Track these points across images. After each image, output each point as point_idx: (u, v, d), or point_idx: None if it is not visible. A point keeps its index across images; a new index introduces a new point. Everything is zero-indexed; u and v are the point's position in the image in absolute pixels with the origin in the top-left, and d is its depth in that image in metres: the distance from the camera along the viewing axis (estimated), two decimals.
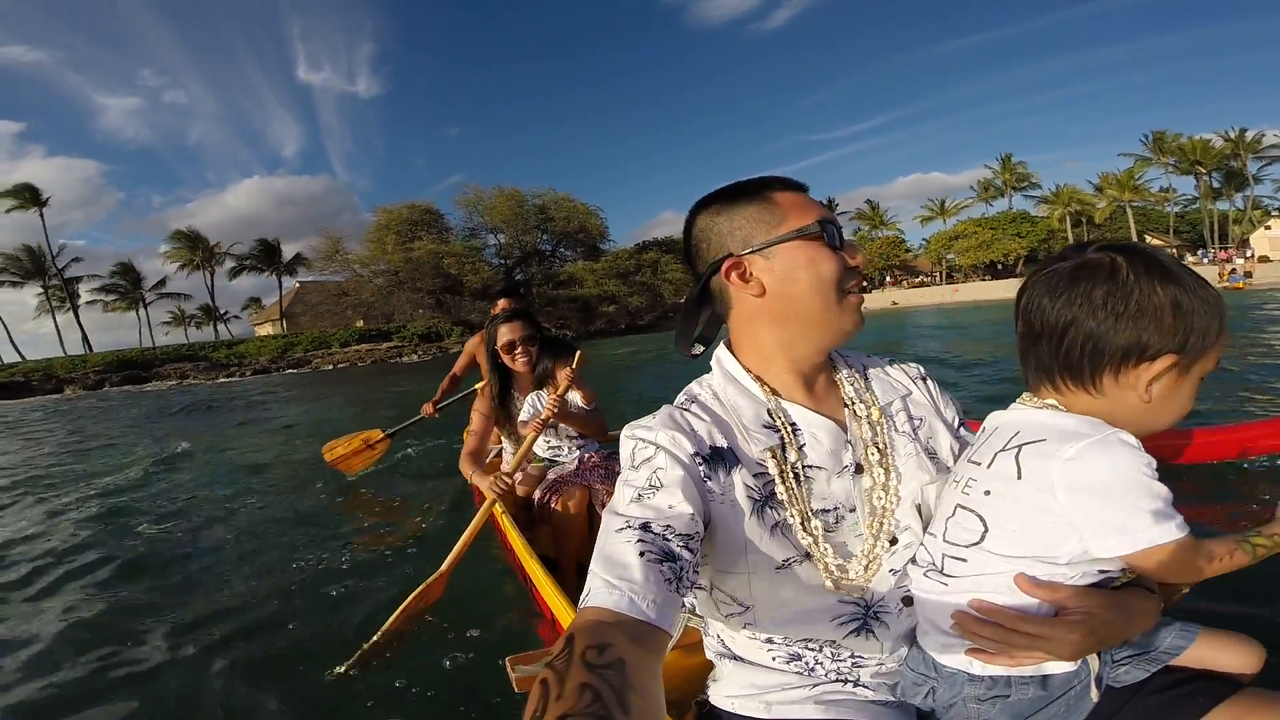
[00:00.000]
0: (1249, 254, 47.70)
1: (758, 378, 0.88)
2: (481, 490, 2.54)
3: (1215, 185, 53.06)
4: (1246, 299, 20.39)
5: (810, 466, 0.84)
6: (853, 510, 0.85)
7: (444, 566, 2.54)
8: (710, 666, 0.96)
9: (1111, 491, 0.69)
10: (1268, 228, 49.93)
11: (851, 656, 0.86)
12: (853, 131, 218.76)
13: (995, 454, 0.78)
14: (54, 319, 50.82)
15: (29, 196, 49.68)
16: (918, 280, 61.04)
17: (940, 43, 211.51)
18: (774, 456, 0.83)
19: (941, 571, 0.81)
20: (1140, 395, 0.73)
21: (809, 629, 0.85)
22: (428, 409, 4.32)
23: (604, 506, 0.70)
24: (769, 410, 0.86)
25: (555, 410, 2.42)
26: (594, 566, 0.68)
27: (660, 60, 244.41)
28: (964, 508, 0.80)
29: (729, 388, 0.89)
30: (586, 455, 2.68)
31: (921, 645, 0.84)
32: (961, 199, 63.96)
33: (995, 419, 0.84)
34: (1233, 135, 49.63)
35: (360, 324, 46.55)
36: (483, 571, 2.92)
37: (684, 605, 0.68)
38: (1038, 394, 0.81)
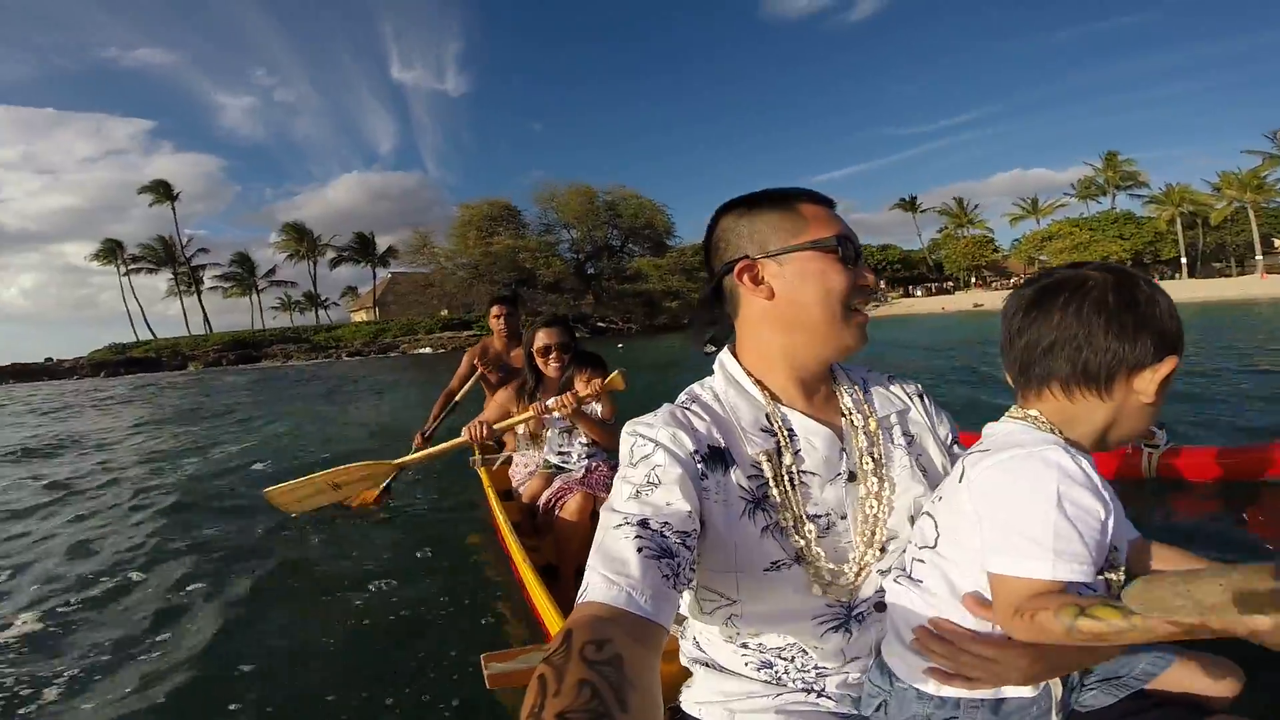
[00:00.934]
0: None
1: (758, 381, 0.90)
2: (468, 432, 2.68)
3: None
4: None
5: (805, 472, 0.86)
6: (844, 518, 0.87)
7: (396, 460, 2.94)
8: (686, 674, 0.99)
9: (1010, 505, 0.70)
10: None
11: (816, 667, 0.87)
12: (946, 125, 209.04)
13: (959, 463, 0.82)
14: (181, 302, 57.24)
15: (163, 191, 56.51)
16: (1010, 282, 57.97)
17: (1049, 32, 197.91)
18: (769, 460, 0.85)
19: (909, 576, 0.82)
20: (1148, 397, 0.74)
21: (789, 628, 0.86)
22: (417, 444, 3.90)
23: None
24: (767, 414, 0.88)
25: (571, 406, 2.47)
26: (592, 562, 0.68)
27: (735, 54, 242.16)
28: (927, 513, 0.83)
29: (730, 390, 0.90)
30: (594, 464, 2.67)
31: (884, 657, 0.85)
32: (1058, 198, 60.18)
33: (988, 429, 0.86)
34: None
35: (445, 313, 49.46)
36: (483, 577, 2.95)
37: (680, 603, 0.72)
38: (1034, 402, 0.81)
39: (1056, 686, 0.79)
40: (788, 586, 0.84)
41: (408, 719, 1.96)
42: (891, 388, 0.99)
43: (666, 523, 0.72)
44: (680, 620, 0.96)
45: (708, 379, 0.95)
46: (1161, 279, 48.00)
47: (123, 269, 56.11)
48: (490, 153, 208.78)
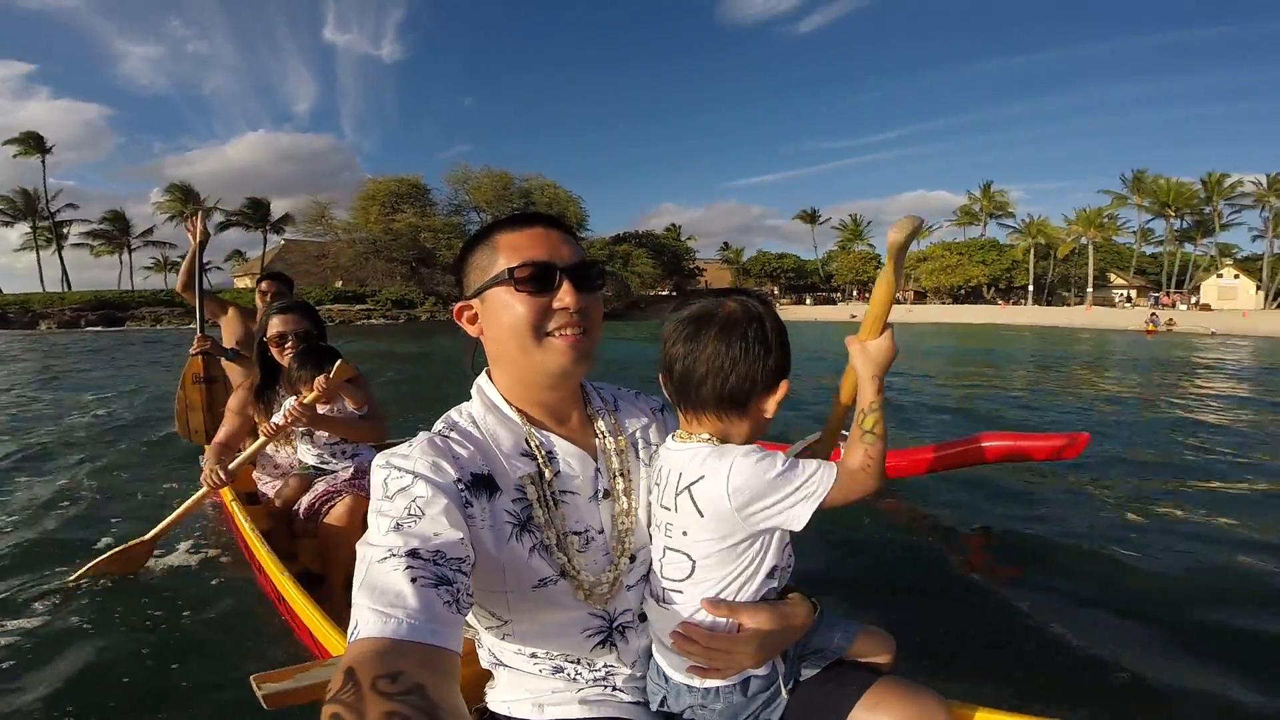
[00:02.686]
0: (1193, 300, 49.77)
1: (516, 406, 0.93)
2: (208, 483, 2.40)
3: (1186, 228, 54.71)
4: (1156, 345, 21.98)
5: (565, 492, 0.91)
6: (601, 531, 0.94)
7: (148, 535, 2.62)
8: (487, 675, 1.01)
9: (768, 486, 0.87)
10: (1219, 275, 51.89)
11: (605, 667, 0.96)
12: (866, 143, 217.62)
13: (676, 497, 0.92)
14: (38, 256, 51.89)
15: (33, 144, 50.96)
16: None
17: (975, 62, 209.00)
18: (532, 482, 0.89)
19: (661, 601, 0.95)
20: (769, 414, 0.92)
21: (564, 642, 0.92)
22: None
23: None
24: (526, 438, 0.91)
25: (298, 417, 2.25)
26: (359, 599, 0.65)
27: (684, 52, 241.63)
28: (671, 549, 0.94)
29: (489, 416, 0.92)
30: (365, 463, 2.47)
31: (656, 659, 0.99)
32: (938, 222, 65.73)
33: (665, 458, 0.97)
34: (1209, 179, 51.26)
35: (339, 285, 47.98)
36: (231, 594, 2.64)
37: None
38: (695, 425, 0.95)
39: (780, 664, 0.97)
40: (555, 602, 0.90)
41: None
42: (638, 404, 1.08)
43: (439, 551, 0.71)
44: (470, 627, 1.00)
45: (465, 404, 0.96)
46: (1012, 304, 53.97)
47: None
48: (415, 123, 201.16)
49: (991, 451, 3.44)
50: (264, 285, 3.66)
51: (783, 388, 0.91)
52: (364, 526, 2.21)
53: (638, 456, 1.01)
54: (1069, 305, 52.97)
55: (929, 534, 3.52)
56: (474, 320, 0.92)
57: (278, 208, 56.91)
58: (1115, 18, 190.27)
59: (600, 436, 0.98)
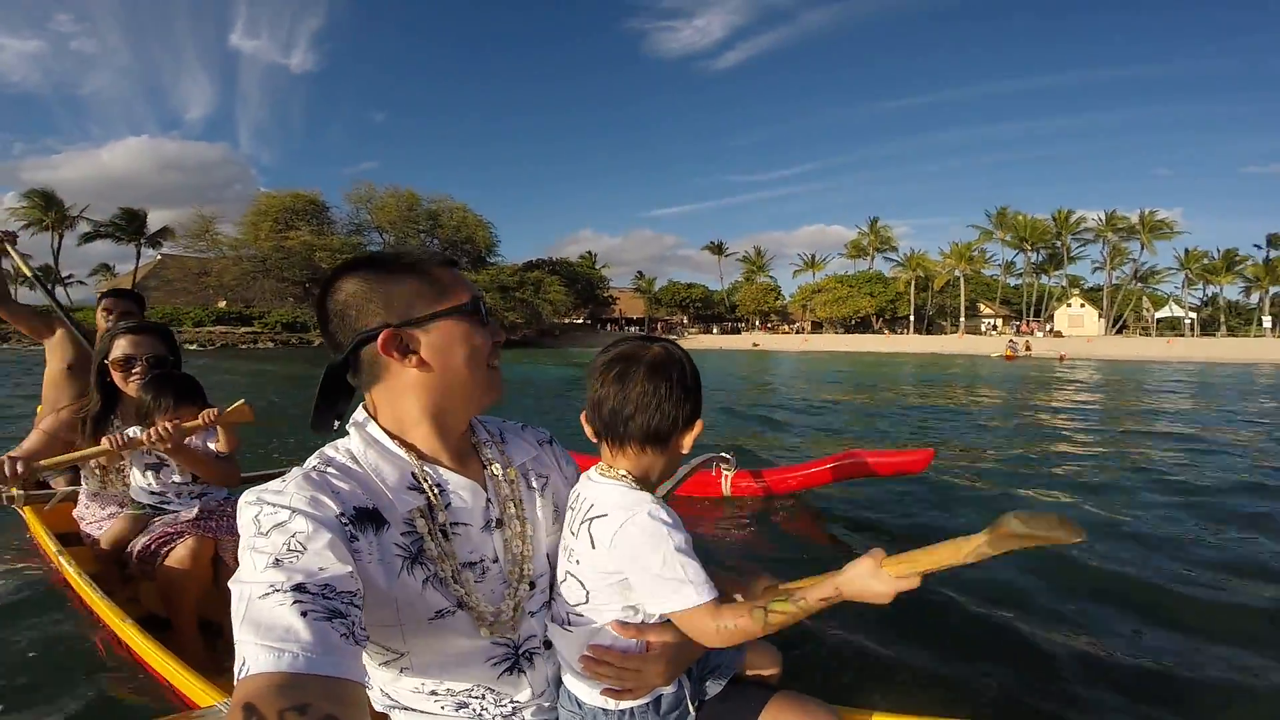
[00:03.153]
0: (1048, 328, 55.77)
1: (400, 441, 0.91)
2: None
3: (1042, 261, 61.05)
4: (1014, 369, 24.85)
5: (457, 523, 0.91)
6: (496, 561, 0.94)
7: None
8: (382, 719, 0.98)
9: (651, 561, 0.90)
10: (1069, 305, 58.41)
11: (511, 701, 0.95)
12: (775, 177, 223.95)
13: (580, 526, 0.97)
14: None
15: None
16: (795, 327, 66.28)
17: (863, 104, 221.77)
18: (422, 515, 0.88)
19: (566, 625, 0.98)
20: (686, 449, 1.00)
21: (466, 672, 0.91)
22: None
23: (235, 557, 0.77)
24: (414, 473, 0.90)
25: (164, 437, 1.98)
26: (245, 637, 0.63)
27: (611, 80, 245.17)
28: (571, 574, 0.98)
29: (370, 451, 0.89)
30: (211, 503, 2.28)
31: (567, 686, 1.00)
32: (832, 255, 70.46)
33: (582, 488, 1.02)
34: (1058, 215, 57.54)
35: (222, 305, 44.73)
36: (53, 645, 2.30)
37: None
38: (615, 459, 1.00)
39: (686, 682, 1.02)
40: (455, 632, 0.89)
41: None
42: (524, 435, 1.09)
43: (327, 585, 0.69)
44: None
45: (340, 440, 0.94)
46: (896, 333, 58.33)
47: None
48: (320, 136, 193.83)
49: (857, 467, 4.05)
50: (107, 303, 3.07)
51: (698, 426, 1.01)
52: (211, 569, 2.19)
53: (530, 485, 1.03)
54: (945, 333, 57.54)
55: (804, 543, 3.73)
56: (405, 350, 0.87)
57: (158, 219, 52.83)
58: (980, 65, 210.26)
59: (488, 465, 1.00)
